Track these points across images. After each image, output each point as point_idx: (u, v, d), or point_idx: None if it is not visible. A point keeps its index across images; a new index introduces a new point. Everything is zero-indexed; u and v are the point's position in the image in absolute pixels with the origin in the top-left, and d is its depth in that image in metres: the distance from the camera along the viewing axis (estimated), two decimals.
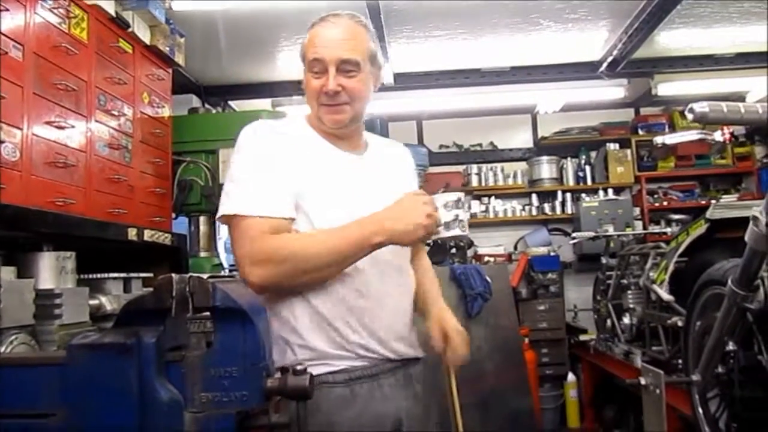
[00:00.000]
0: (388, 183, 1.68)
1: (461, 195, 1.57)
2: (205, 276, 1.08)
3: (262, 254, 1.45)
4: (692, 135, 2.02)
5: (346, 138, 1.67)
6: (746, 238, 1.90)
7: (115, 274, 2.33)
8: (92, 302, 2.17)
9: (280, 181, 1.52)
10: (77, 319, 2.01)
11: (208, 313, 1.07)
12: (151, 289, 1.08)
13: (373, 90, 1.68)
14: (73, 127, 2.47)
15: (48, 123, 2.31)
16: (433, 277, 1.94)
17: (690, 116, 1.58)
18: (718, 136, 1.91)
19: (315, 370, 1.47)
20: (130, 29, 2.97)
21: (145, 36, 3.11)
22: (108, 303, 2.24)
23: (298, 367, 1.10)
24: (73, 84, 2.47)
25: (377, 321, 1.57)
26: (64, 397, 1.03)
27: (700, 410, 2.50)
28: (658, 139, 2.14)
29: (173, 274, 1.06)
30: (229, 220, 1.52)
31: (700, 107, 1.55)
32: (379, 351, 1.57)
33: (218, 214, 1.54)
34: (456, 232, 1.54)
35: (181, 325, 1.12)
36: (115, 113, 2.82)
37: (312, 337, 1.52)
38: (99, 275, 2.27)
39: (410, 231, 1.46)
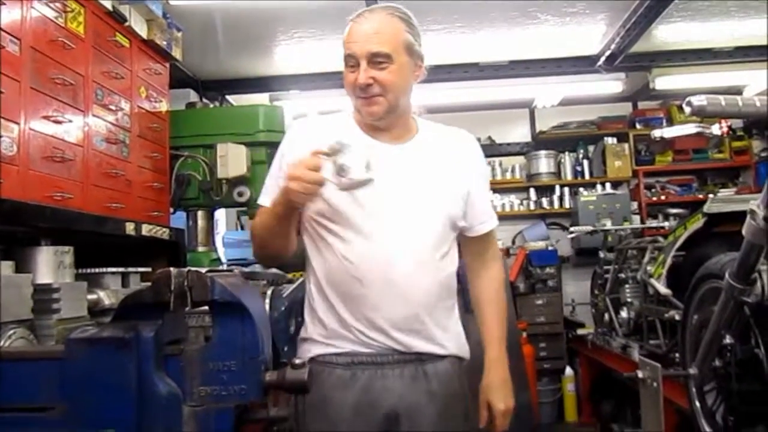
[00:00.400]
0: (427, 171, 1.68)
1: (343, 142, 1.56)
2: (203, 270, 1.08)
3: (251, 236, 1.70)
4: (690, 128, 2.02)
5: (388, 129, 1.69)
6: (744, 232, 1.90)
7: (113, 269, 2.33)
8: (90, 297, 2.17)
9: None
10: (75, 313, 2.01)
11: (206, 308, 1.07)
12: (149, 283, 1.08)
13: (415, 80, 1.71)
14: (70, 121, 2.46)
15: (45, 117, 2.31)
16: (497, 294, 1.92)
17: (688, 109, 1.58)
18: (715, 129, 1.92)
19: (322, 350, 1.58)
20: (126, 23, 2.96)
21: (142, 30, 3.10)
22: (106, 298, 2.24)
23: (297, 362, 1.10)
24: (71, 78, 2.46)
25: (377, 311, 1.58)
26: (62, 391, 1.03)
27: (697, 403, 2.51)
28: (656, 133, 2.15)
29: (172, 269, 1.06)
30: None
31: (698, 100, 1.55)
32: (379, 340, 1.58)
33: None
34: (354, 175, 1.53)
35: (180, 319, 1.12)
36: (113, 108, 2.82)
37: (325, 316, 1.61)
38: (97, 270, 2.27)
39: (293, 189, 1.51)
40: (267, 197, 1.67)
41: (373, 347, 1.58)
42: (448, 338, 1.70)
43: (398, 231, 1.61)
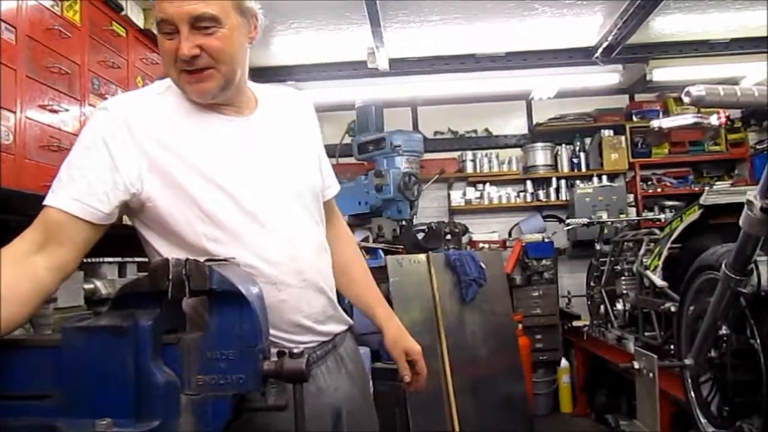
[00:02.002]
0: (285, 145, 1.48)
1: None
2: (201, 259, 1.08)
3: None
4: (688, 119, 2.03)
5: (228, 104, 1.41)
6: (740, 223, 1.90)
7: (110, 259, 2.32)
8: (87, 286, 2.17)
9: (99, 171, 1.29)
10: (72, 303, 2.01)
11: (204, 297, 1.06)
12: (146, 273, 1.08)
13: (250, 43, 1.42)
14: (66, 110, 2.46)
15: (41, 106, 2.30)
16: (358, 254, 1.76)
17: (686, 99, 1.58)
18: (713, 119, 1.92)
19: None
20: (123, 12, 2.95)
21: (138, 19, 3.09)
22: (103, 287, 2.24)
23: (295, 350, 1.10)
24: (67, 67, 2.46)
25: (299, 312, 1.40)
26: (59, 379, 1.03)
27: (693, 394, 2.52)
28: (655, 123, 2.15)
29: (169, 257, 1.05)
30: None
31: (697, 90, 1.55)
32: (305, 340, 1.41)
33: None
34: None
35: (177, 308, 1.12)
36: (109, 97, 2.81)
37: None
38: (94, 259, 2.27)
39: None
40: (68, 195, 1.28)
41: (304, 345, 1.37)
42: (341, 309, 1.56)
43: (285, 219, 1.40)
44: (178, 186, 1.32)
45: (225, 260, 1.16)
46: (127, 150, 1.31)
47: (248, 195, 1.36)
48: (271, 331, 1.22)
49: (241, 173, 1.37)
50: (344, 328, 1.57)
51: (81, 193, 1.28)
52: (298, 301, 1.39)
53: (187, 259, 1.05)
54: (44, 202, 1.29)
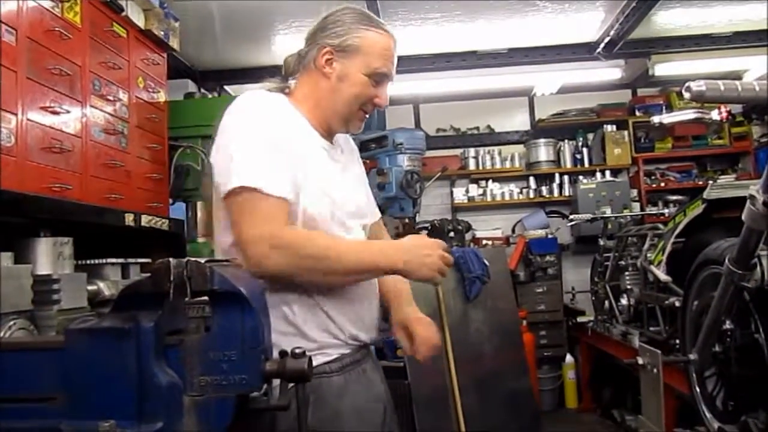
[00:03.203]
0: (354, 173, 1.70)
1: None
2: (202, 260, 1.08)
3: (287, 241, 1.39)
4: (689, 114, 2.02)
5: (328, 132, 1.63)
6: (743, 217, 1.90)
7: (113, 260, 2.33)
8: (90, 288, 2.17)
9: (288, 164, 1.45)
10: (75, 304, 2.01)
11: (206, 298, 1.06)
12: (148, 274, 1.08)
13: None
14: (68, 112, 2.46)
15: (43, 108, 2.30)
16: None
17: (687, 95, 1.57)
18: (714, 114, 1.91)
19: (313, 361, 1.45)
20: (123, 13, 2.95)
21: (139, 20, 3.09)
22: (106, 288, 2.25)
23: (297, 351, 1.10)
24: (68, 69, 2.46)
25: (365, 310, 1.58)
26: (63, 381, 1.03)
27: (698, 389, 2.52)
28: (656, 119, 2.14)
29: (171, 259, 1.05)
30: (241, 193, 1.40)
31: (697, 86, 1.55)
32: (362, 338, 1.57)
33: (231, 185, 1.40)
34: None
35: (179, 309, 1.12)
36: (111, 98, 2.81)
37: (309, 328, 1.47)
38: (97, 261, 2.28)
39: (423, 273, 1.49)
40: (281, 187, 1.42)
41: (352, 347, 1.55)
42: None
43: (357, 230, 1.63)
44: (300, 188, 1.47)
45: (226, 261, 1.16)
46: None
47: (343, 206, 1.55)
48: (343, 324, 1.50)
49: (340, 188, 1.56)
50: (375, 337, 1.67)
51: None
52: (363, 299, 1.57)
53: (188, 260, 1.05)
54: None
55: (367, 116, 1.64)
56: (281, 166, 1.43)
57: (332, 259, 1.43)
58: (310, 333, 1.48)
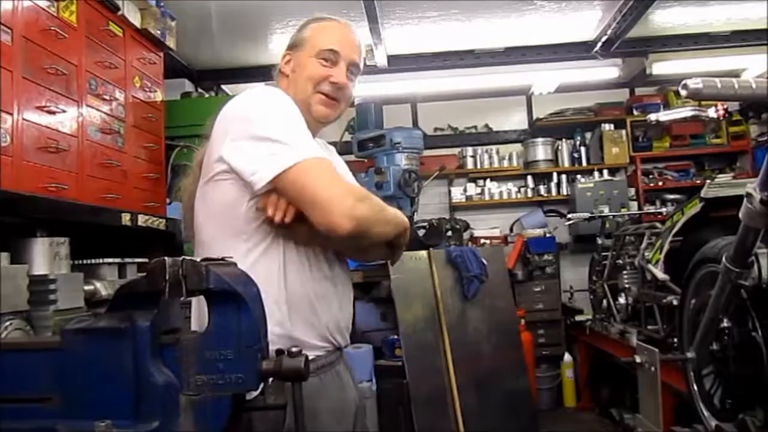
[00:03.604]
0: (346, 172, 1.73)
1: None
2: (198, 259, 1.07)
3: (363, 194, 1.44)
4: (686, 112, 2.01)
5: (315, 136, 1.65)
6: (740, 215, 1.90)
7: (110, 260, 2.32)
8: (87, 288, 2.17)
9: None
10: (72, 304, 2.01)
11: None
12: (143, 274, 1.07)
13: None
14: (64, 111, 2.45)
15: (39, 108, 2.30)
16: None
17: (684, 92, 1.57)
18: (711, 112, 1.91)
19: None
20: (120, 12, 2.94)
21: (135, 19, 3.09)
22: (103, 288, 2.24)
23: (294, 349, 1.10)
24: (63, 68, 2.45)
25: (341, 311, 1.58)
26: (59, 381, 1.03)
27: (695, 387, 2.52)
28: (653, 117, 2.14)
29: (166, 258, 1.05)
30: (298, 165, 1.40)
31: (694, 83, 1.54)
32: (337, 339, 1.57)
33: (286, 164, 1.39)
34: None
35: (175, 308, 1.12)
36: (107, 98, 2.81)
37: (294, 327, 1.46)
38: (93, 261, 2.27)
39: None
40: (317, 150, 1.46)
41: (325, 349, 1.54)
42: None
43: None
44: None
45: (222, 260, 1.15)
46: None
47: None
48: (319, 322, 1.49)
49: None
50: (348, 342, 1.67)
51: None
52: (340, 299, 1.59)
53: (184, 259, 1.05)
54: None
55: (331, 99, 1.60)
56: (310, 138, 1.49)
57: (387, 210, 1.51)
58: (295, 332, 1.46)
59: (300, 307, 1.48)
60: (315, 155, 1.43)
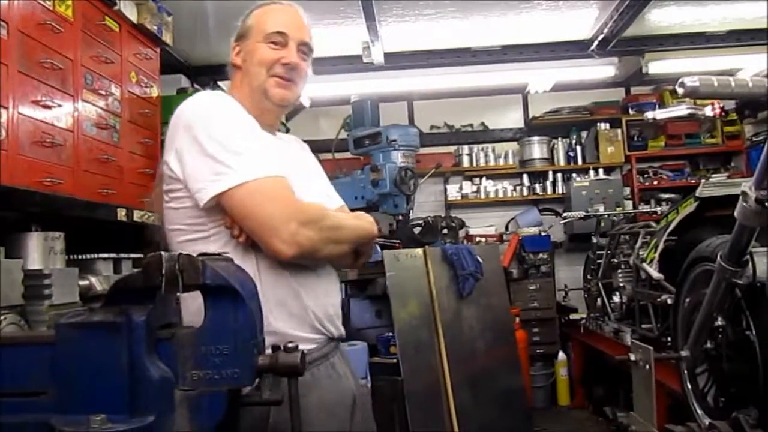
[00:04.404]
0: (308, 169, 1.72)
1: None
2: (194, 254, 1.07)
3: (311, 216, 1.42)
4: (682, 110, 2.02)
5: (269, 123, 1.63)
6: (735, 214, 1.90)
7: (105, 255, 2.32)
8: (82, 283, 2.17)
9: (264, 147, 1.48)
10: (67, 299, 2.01)
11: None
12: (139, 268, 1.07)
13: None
14: (60, 106, 2.44)
15: (34, 102, 2.29)
16: None
17: (681, 90, 1.57)
18: (708, 111, 1.92)
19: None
20: (116, 7, 2.93)
21: (131, 14, 3.08)
22: (98, 283, 2.24)
23: (290, 345, 1.10)
24: (59, 62, 2.44)
25: (328, 297, 1.57)
26: (54, 375, 1.02)
27: (689, 385, 2.52)
28: (649, 114, 2.14)
29: (162, 252, 1.05)
30: (242, 187, 1.38)
31: (691, 81, 1.55)
32: (329, 329, 1.56)
33: (228, 185, 1.38)
34: None
35: (171, 303, 1.12)
36: (103, 93, 2.80)
37: (277, 320, 1.45)
38: (89, 256, 2.27)
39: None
40: (263, 163, 1.42)
41: (318, 341, 1.53)
42: None
43: None
44: None
45: (218, 255, 1.15)
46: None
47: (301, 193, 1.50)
48: (306, 311, 1.48)
49: (294, 183, 1.49)
50: (343, 333, 1.66)
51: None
52: (327, 286, 1.57)
53: (180, 254, 1.04)
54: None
55: (286, 81, 1.59)
56: (262, 148, 1.46)
57: (344, 228, 1.51)
58: (282, 327, 1.45)
59: (282, 298, 1.46)
60: (261, 174, 1.39)
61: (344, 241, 1.51)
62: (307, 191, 1.53)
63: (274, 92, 1.58)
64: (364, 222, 1.59)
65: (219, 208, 1.44)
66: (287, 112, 1.70)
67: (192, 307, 1.14)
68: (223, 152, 1.40)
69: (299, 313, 1.49)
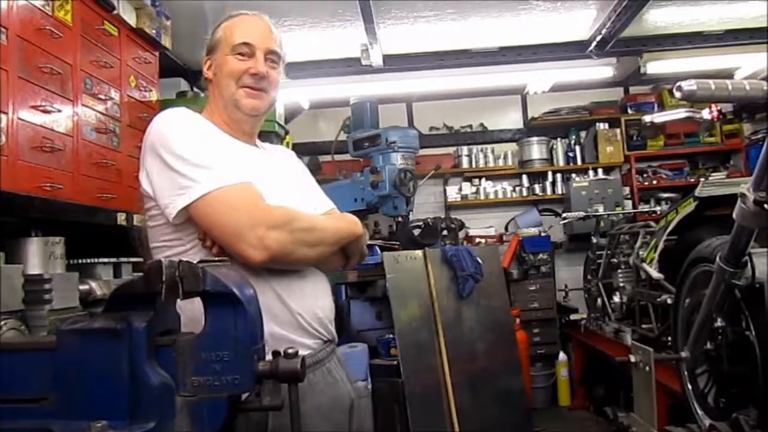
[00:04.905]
0: (293, 176, 1.72)
1: None
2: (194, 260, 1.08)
3: (278, 219, 1.42)
4: (680, 113, 2.02)
5: (246, 133, 1.66)
6: (734, 215, 1.91)
7: (105, 259, 2.32)
8: (82, 287, 2.17)
9: (227, 156, 1.50)
10: (67, 304, 2.01)
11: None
12: (140, 273, 1.07)
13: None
14: (59, 111, 2.44)
15: (34, 107, 2.29)
16: None
17: (678, 94, 1.58)
18: (705, 113, 1.92)
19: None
20: (115, 11, 2.93)
21: (130, 18, 3.08)
22: (98, 288, 2.24)
23: (290, 351, 1.10)
24: (59, 67, 2.44)
25: (316, 300, 1.57)
26: (54, 381, 1.03)
27: (689, 386, 2.53)
28: (647, 118, 2.15)
29: (162, 259, 1.05)
30: (206, 197, 1.41)
31: (688, 85, 1.55)
32: (320, 331, 1.57)
33: (192, 198, 1.40)
34: None
35: (171, 310, 1.12)
36: (102, 97, 2.80)
37: (272, 325, 1.44)
38: (89, 260, 2.27)
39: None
40: (226, 172, 1.44)
41: (311, 347, 1.53)
42: None
43: None
44: None
45: (219, 261, 1.15)
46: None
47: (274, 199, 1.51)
48: (292, 315, 1.48)
49: (272, 190, 1.52)
50: (335, 336, 1.68)
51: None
52: (312, 289, 1.57)
53: (180, 261, 1.05)
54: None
55: (257, 90, 1.61)
56: (225, 158, 1.48)
57: (319, 230, 1.51)
58: (278, 330, 1.46)
59: (267, 304, 1.41)
60: (225, 182, 1.41)
61: (320, 243, 1.51)
62: (284, 197, 1.53)
63: (244, 102, 1.60)
64: (346, 222, 1.60)
65: (192, 222, 1.46)
66: (262, 120, 1.71)
67: (189, 312, 1.15)
68: (185, 166, 1.43)
69: (287, 319, 1.49)
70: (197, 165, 1.43)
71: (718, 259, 2.10)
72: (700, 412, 2.46)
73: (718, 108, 1.89)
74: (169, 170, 1.43)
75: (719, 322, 2.20)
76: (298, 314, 1.50)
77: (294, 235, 1.44)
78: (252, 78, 1.59)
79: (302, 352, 1.44)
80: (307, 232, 1.48)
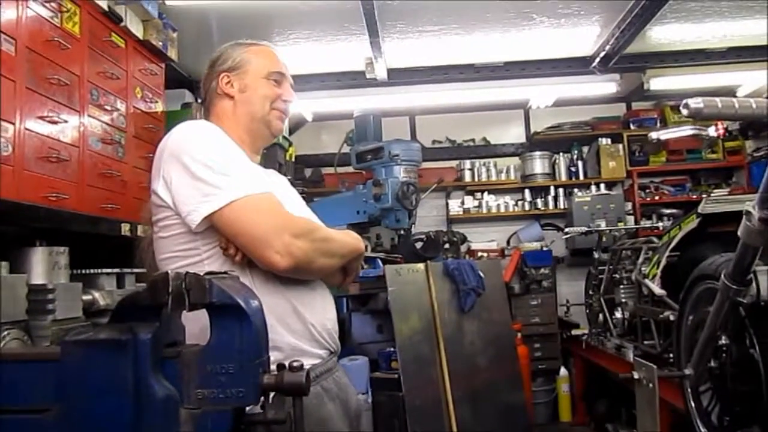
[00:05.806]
0: (292, 194, 1.75)
1: None
2: (201, 272, 1.08)
3: (302, 228, 1.48)
4: (686, 130, 2.03)
5: (256, 152, 1.75)
6: (739, 233, 1.90)
7: (109, 270, 2.32)
8: (86, 297, 2.17)
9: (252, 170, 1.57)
10: (70, 314, 2.01)
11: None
12: (144, 284, 1.07)
13: None
14: (65, 121, 2.46)
15: (40, 117, 2.30)
16: None
17: (685, 112, 1.58)
18: (711, 131, 1.92)
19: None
20: (122, 23, 2.95)
21: (137, 30, 3.10)
22: (101, 298, 2.24)
23: (295, 364, 1.10)
24: (66, 78, 2.46)
25: (326, 313, 1.62)
26: (58, 393, 1.02)
27: (693, 404, 2.51)
28: (653, 135, 2.15)
29: (169, 270, 1.05)
30: (231, 205, 1.43)
31: (695, 103, 1.55)
32: (330, 343, 1.61)
33: (219, 205, 1.42)
34: None
35: (177, 322, 1.12)
36: (108, 108, 2.81)
37: (288, 336, 1.48)
38: (92, 270, 2.27)
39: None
40: (250, 182, 1.49)
41: (322, 357, 1.57)
42: None
43: None
44: None
45: (225, 273, 1.16)
46: None
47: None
48: (305, 325, 1.51)
49: (285, 203, 1.56)
50: (339, 347, 1.71)
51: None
52: (321, 302, 1.61)
53: (187, 273, 1.05)
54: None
55: (284, 115, 1.75)
56: (248, 169, 1.54)
57: (335, 241, 1.56)
58: (293, 341, 1.49)
59: (282, 315, 1.48)
60: (250, 191, 1.45)
61: (335, 254, 1.56)
62: (295, 210, 1.58)
63: (276, 123, 1.73)
64: (352, 238, 1.65)
65: (211, 231, 1.47)
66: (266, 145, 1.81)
67: (193, 324, 1.16)
68: (210, 174, 1.45)
69: (301, 329, 1.51)
70: (222, 173, 1.45)
71: (722, 276, 2.10)
72: (703, 429, 2.44)
73: (725, 126, 1.89)
74: (193, 178, 1.45)
75: (723, 340, 2.19)
76: (311, 325, 1.53)
77: (315, 244, 1.48)
78: (284, 103, 1.73)
79: (314, 361, 1.50)
80: (326, 242, 1.53)
